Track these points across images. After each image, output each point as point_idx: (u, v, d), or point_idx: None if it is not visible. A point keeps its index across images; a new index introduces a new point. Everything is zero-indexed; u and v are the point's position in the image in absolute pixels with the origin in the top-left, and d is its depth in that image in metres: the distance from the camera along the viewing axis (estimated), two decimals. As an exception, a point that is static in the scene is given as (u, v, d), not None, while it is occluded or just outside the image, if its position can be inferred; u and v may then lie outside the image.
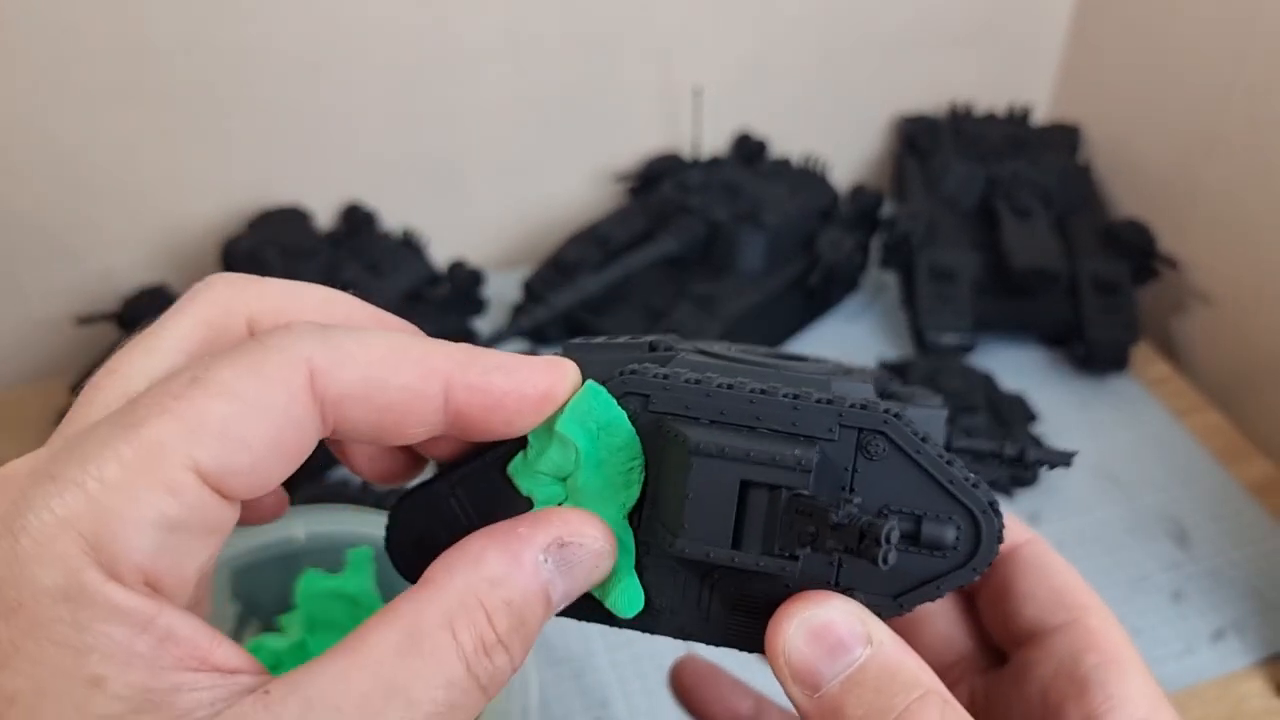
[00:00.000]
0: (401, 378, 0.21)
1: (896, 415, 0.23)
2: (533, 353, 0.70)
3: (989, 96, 0.90)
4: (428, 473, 0.26)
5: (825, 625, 0.22)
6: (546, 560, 0.22)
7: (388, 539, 0.26)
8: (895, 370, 0.70)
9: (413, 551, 0.26)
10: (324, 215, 0.76)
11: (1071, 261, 0.74)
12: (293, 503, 0.58)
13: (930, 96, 0.90)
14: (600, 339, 0.27)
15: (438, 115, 0.77)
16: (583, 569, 0.22)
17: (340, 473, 0.65)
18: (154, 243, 0.75)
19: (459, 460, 0.25)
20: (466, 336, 0.72)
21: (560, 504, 0.24)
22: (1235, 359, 0.76)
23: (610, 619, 0.24)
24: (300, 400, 0.20)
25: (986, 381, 0.69)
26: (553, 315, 0.69)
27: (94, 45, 0.65)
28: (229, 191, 0.74)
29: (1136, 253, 0.75)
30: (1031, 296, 0.74)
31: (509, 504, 0.24)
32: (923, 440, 0.23)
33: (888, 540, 0.20)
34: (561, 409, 0.23)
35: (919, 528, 0.23)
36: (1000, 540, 0.23)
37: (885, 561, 0.20)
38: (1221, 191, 0.76)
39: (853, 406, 0.23)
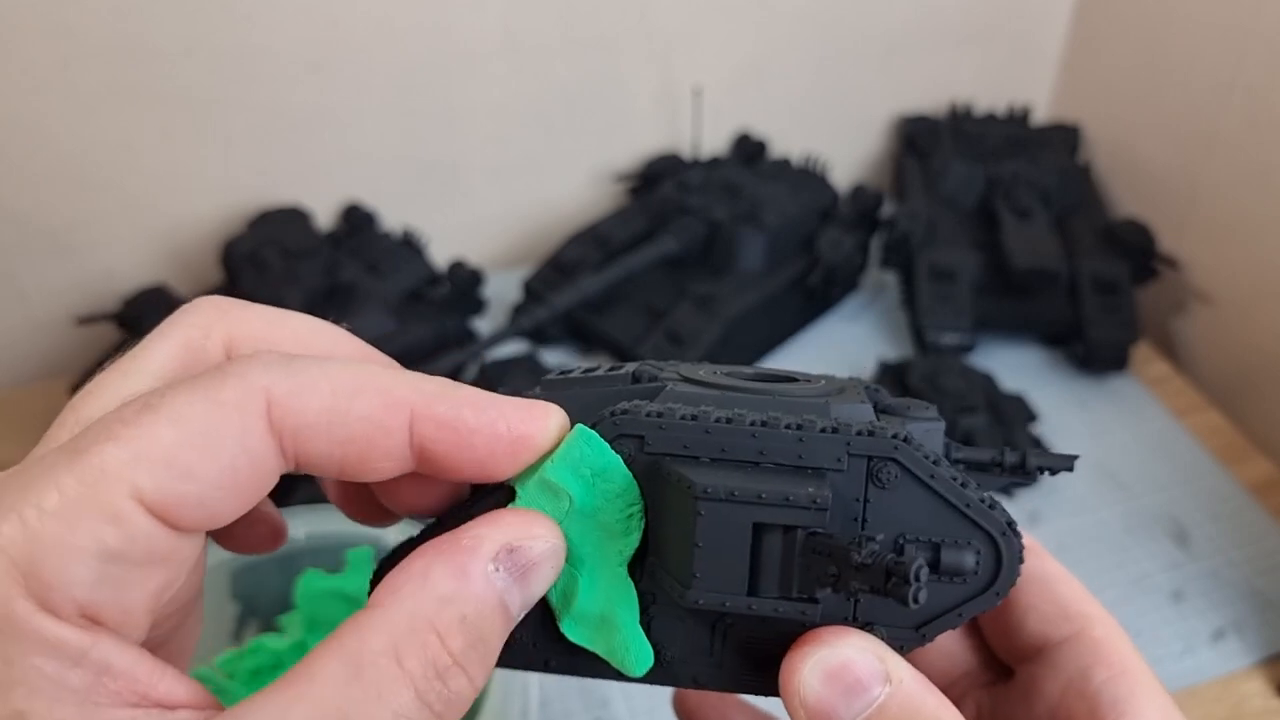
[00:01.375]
0: (362, 408, 0.20)
1: (905, 439, 0.22)
2: (532, 354, 0.70)
3: (989, 96, 0.90)
4: (412, 527, 0.24)
5: (842, 665, 0.21)
6: (497, 569, 0.20)
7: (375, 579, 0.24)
8: (895, 370, 0.70)
9: None
10: (324, 215, 0.76)
11: (1071, 261, 0.74)
12: (293, 503, 0.58)
13: (930, 96, 0.90)
14: (577, 370, 0.26)
15: (438, 115, 0.77)
16: (538, 572, 0.21)
17: (340, 473, 0.65)
18: (154, 243, 0.75)
19: (443, 518, 0.24)
20: (467, 336, 0.72)
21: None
22: (1235, 359, 0.76)
23: (620, 676, 0.23)
24: (255, 431, 0.19)
25: (986, 381, 0.69)
26: (553, 315, 0.69)
27: (95, 46, 0.65)
28: (229, 191, 0.74)
29: (1136, 252, 0.75)
30: (1031, 296, 0.74)
31: None
32: (935, 463, 0.22)
33: (917, 579, 0.19)
34: (550, 456, 0.22)
35: (938, 555, 0.22)
36: (1021, 561, 0.22)
37: (916, 601, 0.19)
38: (1221, 191, 0.76)
39: (860, 434, 0.22)
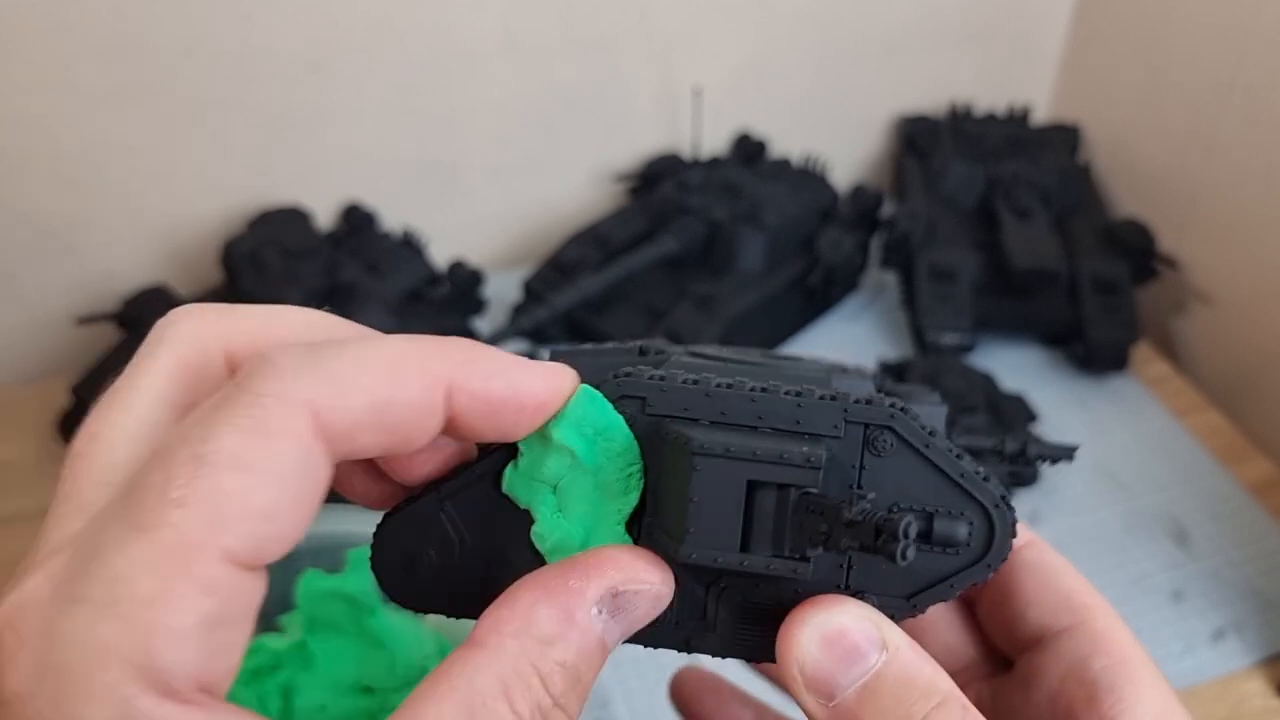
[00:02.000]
0: (405, 393, 0.20)
1: (903, 409, 0.22)
2: (533, 354, 0.70)
3: (989, 96, 0.90)
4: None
5: (839, 631, 0.21)
6: (601, 612, 0.21)
7: (373, 560, 0.25)
8: (895, 370, 0.70)
9: (400, 572, 0.24)
10: (324, 215, 0.76)
11: (1071, 261, 0.74)
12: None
13: (930, 96, 0.90)
14: (587, 346, 0.26)
15: (438, 115, 0.77)
16: (640, 612, 0.21)
17: (340, 473, 0.65)
18: (154, 243, 0.75)
19: (443, 475, 0.24)
20: (467, 337, 0.72)
21: (559, 519, 0.23)
22: (1235, 359, 0.76)
23: None
24: (311, 449, 0.19)
25: (986, 381, 0.69)
26: (553, 315, 0.69)
27: (95, 46, 0.65)
28: (229, 191, 0.74)
29: (1136, 252, 0.75)
30: (1031, 296, 0.74)
31: (504, 517, 0.23)
32: (931, 434, 0.22)
33: (905, 535, 0.19)
34: (557, 415, 0.22)
35: (931, 525, 0.22)
36: (1014, 535, 0.23)
37: (904, 557, 0.19)
38: (1221, 191, 0.76)
39: (857, 402, 0.22)
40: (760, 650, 0.23)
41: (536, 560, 0.23)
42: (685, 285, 0.72)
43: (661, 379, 0.23)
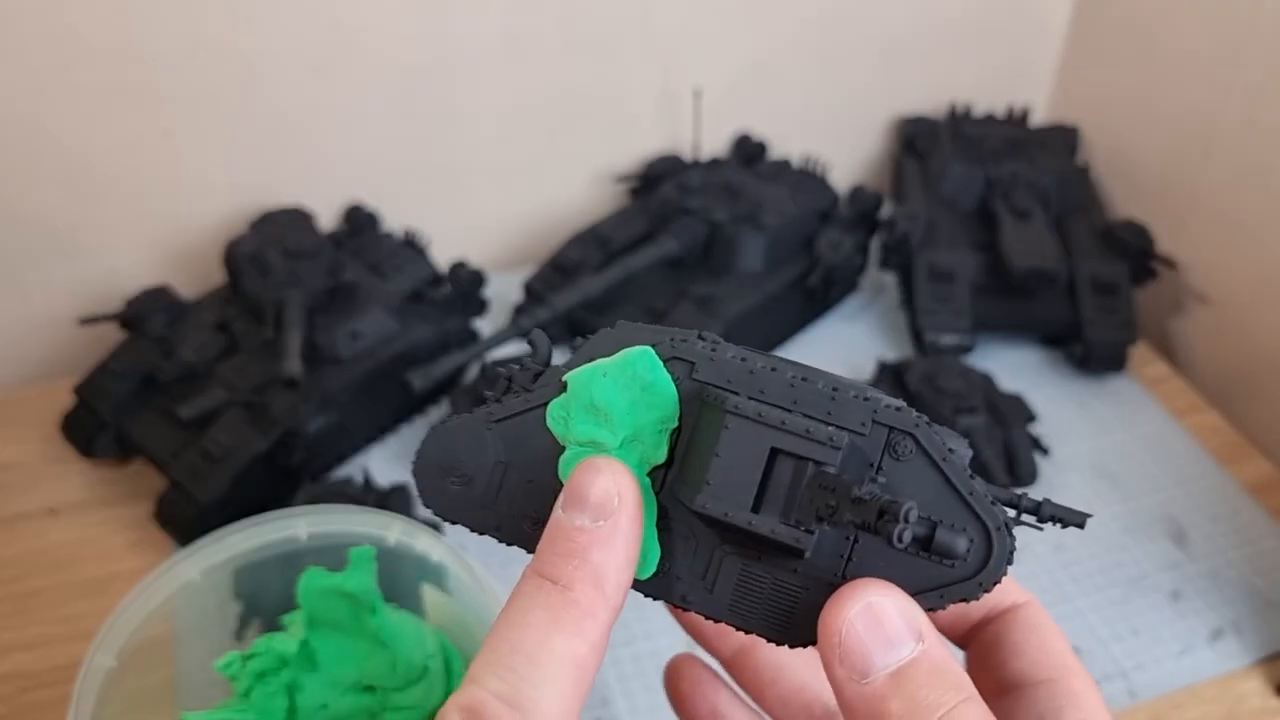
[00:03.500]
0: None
1: (929, 423, 0.23)
2: (530, 331, 0.70)
3: (988, 98, 0.90)
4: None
5: (885, 612, 0.22)
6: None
7: (417, 457, 0.27)
8: (894, 371, 0.70)
9: (436, 479, 0.27)
10: (326, 216, 0.76)
11: (1070, 262, 0.74)
12: (294, 503, 0.58)
13: (930, 98, 0.90)
14: (653, 326, 0.28)
15: (439, 117, 0.77)
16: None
17: (341, 473, 0.66)
18: (157, 243, 0.75)
19: (501, 400, 0.27)
20: (468, 337, 0.72)
21: (591, 454, 0.25)
22: (1233, 359, 0.76)
23: None
24: None
25: (986, 381, 0.69)
26: (553, 316, 0.69)
27: (98, 47, 0.66)
28: (231, 192, 0.75)
29: (1135, 253, 0.76)
30: (1030, 297, 0.74)
31: (541, 445, 0.26)
32: (950, 451, 0.23)
33: (906, 519, 0.20)
34: (607, 363, 0.25)
35: (933, 533, 0.23)
36: (1010, 561, 0.23)
37: (900, 539, 0.20)
38: (1219, 192, 0.76)
39: (888, 407, 0.23)
40: (751, 620, 0.25)
41: (559, 487, 0.25)
42: (685, 286, 0.72)
43: (713, 349, 0.25)
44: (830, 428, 0.23)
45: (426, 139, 0.78)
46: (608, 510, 0.23)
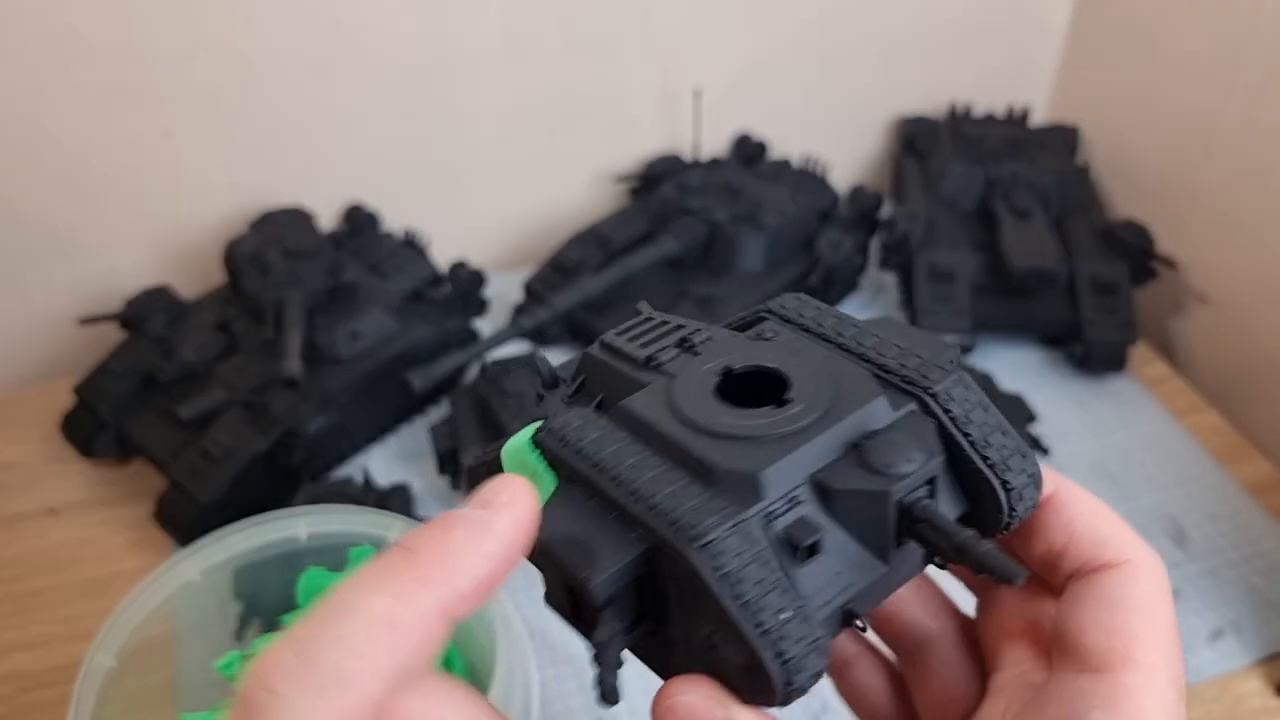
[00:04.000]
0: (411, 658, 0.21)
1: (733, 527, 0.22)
2: (533, 354, 0.71)
3: (988, 98, 0.90)
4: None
5: (685, 709, 0.22)
6: None
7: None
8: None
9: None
10: (326, 216, 0.76)
11: (1070, 262, 0.74)
12: (294, 503, 0.58)
13: (930, 98, 0.90)
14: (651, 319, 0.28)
15: (439, 117, 0.77)
16: None
17: (341, 473, 0.66)
18: (157, 243, 0.75)
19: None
20: (468, 337, 0.72)
21: None
22: (1233, 359, 0.76)
23: None
24: None
25: (985, 382, 0.69)
26: (553, 316, 0.69)
27: (98, 47, 0.66)
28: (231, 192, 0.75)
29: (1135, 253, 0.76)
30: (1030, 297, 0.74)
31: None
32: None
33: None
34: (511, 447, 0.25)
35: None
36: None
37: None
38: (1219, 192, 0.76)
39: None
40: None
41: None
42: (685, 286, 0.72)
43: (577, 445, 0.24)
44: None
45: (426, 139, 0.78)
46: (492, 505, 0.22)
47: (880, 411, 0.24)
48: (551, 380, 0.27)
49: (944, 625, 0.30)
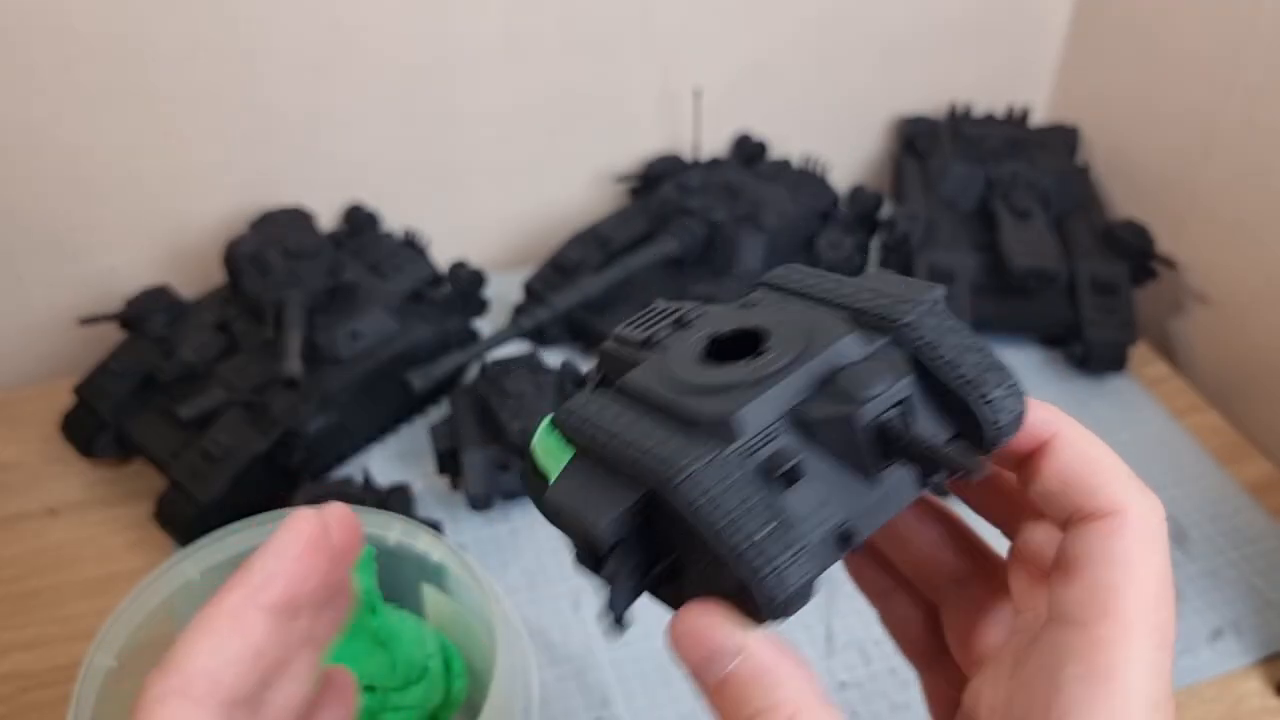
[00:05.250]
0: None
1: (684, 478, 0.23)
2: (533, 354, 0.71)
3: (988, 98, 0.90)
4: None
5: (702, 631, 0.23)
6: None
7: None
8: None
9: None
10: (326, 216, 0.76)
11: (1070, 262, 0.74)
12: (294, 503, 0.58)
13: (929, 98, 0.90)
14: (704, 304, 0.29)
15: (439, 116, 0.77)
16: None
17: (341, 473, 0.66)
18: (156, 243, 0.75)
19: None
20: (468, 337, 0.72)
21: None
22: (1233, 359, 0.76)
23: None
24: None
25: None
26: (553, 316, 0.69)
27: (97, 47, 0.66)
28: (231, 192, 0.75)
29: (1135, 253, 0.76)
30: (1030, 297, 0.74)
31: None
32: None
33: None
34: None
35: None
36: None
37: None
38: (1220, 192, 0.76)
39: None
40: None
41: None
42: (685, 286, 0.72)
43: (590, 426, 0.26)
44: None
45: (426, 139, 0.78)
46: (287, 523, 0.30)
47: (851, 347, 0.25)
48: (582, 380, 0.30)
49: (974, 566, 0.31)
